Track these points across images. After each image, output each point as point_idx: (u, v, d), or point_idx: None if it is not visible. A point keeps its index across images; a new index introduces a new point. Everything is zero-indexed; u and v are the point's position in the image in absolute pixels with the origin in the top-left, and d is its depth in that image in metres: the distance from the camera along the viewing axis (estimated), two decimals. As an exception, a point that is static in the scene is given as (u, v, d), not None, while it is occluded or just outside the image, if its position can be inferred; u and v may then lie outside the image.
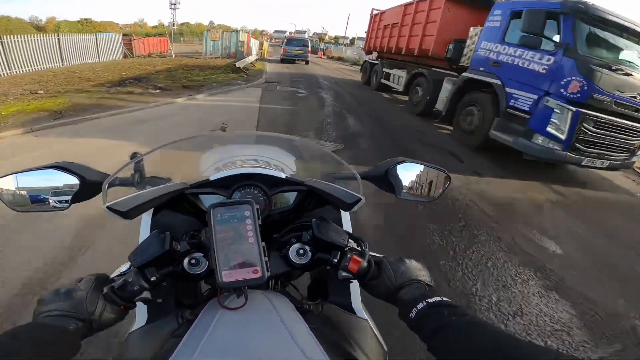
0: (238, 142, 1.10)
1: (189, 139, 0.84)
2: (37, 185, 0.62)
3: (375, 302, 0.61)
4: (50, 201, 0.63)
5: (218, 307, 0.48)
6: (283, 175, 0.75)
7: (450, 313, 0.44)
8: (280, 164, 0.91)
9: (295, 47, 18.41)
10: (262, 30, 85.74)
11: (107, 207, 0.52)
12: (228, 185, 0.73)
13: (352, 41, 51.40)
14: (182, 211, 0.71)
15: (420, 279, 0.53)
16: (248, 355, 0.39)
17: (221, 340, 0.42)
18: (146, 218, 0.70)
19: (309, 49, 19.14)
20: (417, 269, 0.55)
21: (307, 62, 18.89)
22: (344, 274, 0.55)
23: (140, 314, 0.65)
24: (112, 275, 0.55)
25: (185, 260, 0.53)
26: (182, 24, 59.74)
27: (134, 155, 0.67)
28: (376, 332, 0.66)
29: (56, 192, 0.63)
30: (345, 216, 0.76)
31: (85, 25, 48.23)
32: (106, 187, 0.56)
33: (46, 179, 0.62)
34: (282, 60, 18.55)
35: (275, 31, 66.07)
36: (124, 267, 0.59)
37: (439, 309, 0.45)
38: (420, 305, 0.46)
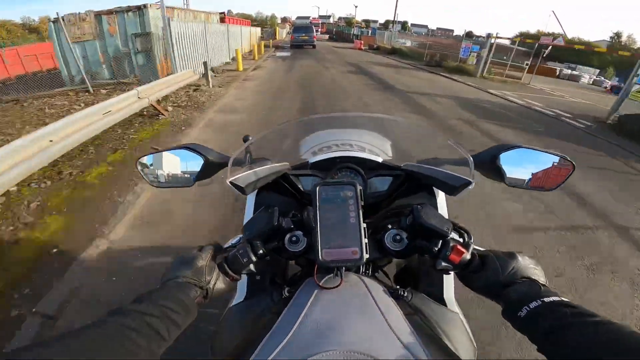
0: (335, 126, 1.11)
1: (290, 122, 0.94)
2: (169, 163, 0.72)
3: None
4: (179, 178, 0.73)
5: (314, 287, 0.49)
6: (380, 159, 0.78)
7: (574, 313, 0.38)
8: (375, 148, 0.92)
9: (301, 34, 20.17)
10: (284, 17, 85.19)
11: (230, 182, 0.59)
12: (326, 168, 0.77)
13: (405, 26, 44.17)
14: (280, 192, 0.75)
15: (533, 278, 0.47)
16: (344, 337, 0.38)
17: (317, 319, 0.42)
18: (250, 197, 0.77)
19: (315, 34, 20.86)
20: (530, 267, 0.49)
21: (314, 46, 20.62)
22: (443, 264, 0.51)
23: (240, 289, 0.71)
24: (225, 246, 0.59)
25: (287, 237, 0.56)
26: None
27: (246, 138, 0.75)
28: (467, 327, 0.65)
29: (184, 170, 0.72)
30: (442, 204, 0.76)
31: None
32: (230, 164, 0.63)
33: (176, 158, 0.71)
34: (292, 46, 20.56)
35: (298, 17, 65.68)
36: (234, 240, 0.67)
37: (559, 308, 0.39)
38: (533, 304, 0.41)
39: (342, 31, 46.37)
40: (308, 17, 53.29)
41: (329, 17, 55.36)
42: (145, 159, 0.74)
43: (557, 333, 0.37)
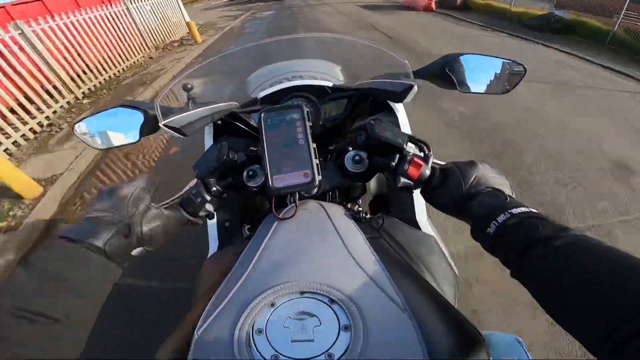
0: (280, 57, 1.07)
1: (224, 54, 0.85)
2: (109, 124, 0.70)
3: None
4: (122, 137, 0.70)
5: (274, 220, 0.47)
6: (330, 84, 0.78)
7: (546, 226, 0.33)
8: (326, 75, 0.92)
9: None
10: None
11: (164, 125, 0.56)
12: (276, 102, 0.77)
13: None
14: (238, 134, 0.75)
15: (497, 187, 0.43)
16: (301, 267, 0.37)
17: (274, 251, 0.41)
18: (209, 141, 0.77)
19: None
20: (493, 175, 0.45)
21: None
22: (403, 179, 0.49)
23: (213, 241, 0.73)
24: (181, 192, 0.57)
25: (245, 173, 0.54)
26: None
27: (185, 86, 0.71)
28: (445, 251, 0.64)
29: (126, 128, 0.68)
30: (403, 119, 0.74)
31: None
32: (157, 105, 0.60)
33: (115, 118, 0.68)
34: None
35: None
36: (187, 187, 0.60)
37: (530, 221, 0.35)
38: (501, 217, 0.37)
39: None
40: None
41: None
42: (83, 125, 0.71)
43: (529, 252, 0.33)
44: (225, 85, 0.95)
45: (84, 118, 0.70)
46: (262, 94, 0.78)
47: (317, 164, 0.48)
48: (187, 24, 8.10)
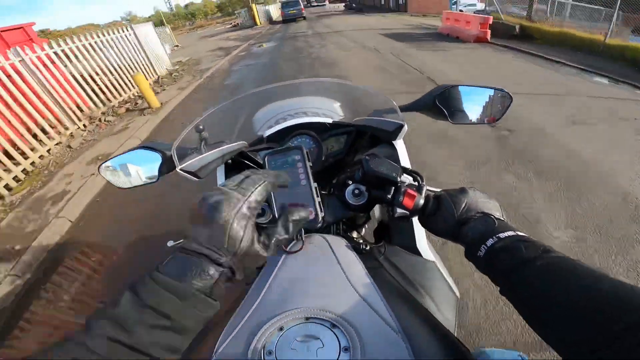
0: (284, 96, 1.10)
1: (235, 100, 0.89)
2: (131, 165, 0.75)
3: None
4: (143, 177, 0.75)
5: (282, 253, 0.49)
6: (330, 120, 0.81)
7: (529, 248, 0.36)
8: (328, 111, 0.95)
9: (290, 9, 21.53)
10: None
11: (180, 169, 0.58)
12: (282, 138, 0.80)
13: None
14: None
15: (486, 212, 0.45)
16: (306, 296, 0.40)
17: (283, 282, 0.43)
18: (220, 179, 0.77)
19: (302, 6, 21.87)
20: (483, 200, 0.47)
21: (304, 18, 21.77)
22: (399, 210, 0.52)
23: None
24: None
25: None
26: (186, 5, 50.87)
27: (197, 128, 0.72)
28: (445, 274, 0.66)
29: (146, 168, 0.74)
30: (402, 153, 0.73)
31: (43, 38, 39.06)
32: (174, 151, 0.62)
33: (136, 159, 0.74)
34: (284, 21, 21.60)
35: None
36: None
37: (515, 244, 0.38)
38: (490, 241, 0.39)
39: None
40: None
41: None
42: (108, 164, 0.76)
43: (515, 272, 0.36)
44: (233, 124, 0.89)
45: (110, 158, 0.76)
46: (267, 133, 0.82)
47: (319, 202, 0.50)
48: (135, 80, 5.05)
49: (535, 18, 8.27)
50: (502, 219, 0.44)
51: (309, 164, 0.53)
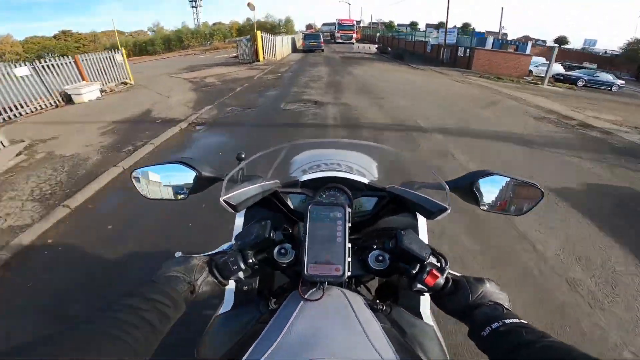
0: (323, 148, 1.14)
1: (284, 147, 0.95)
2: (163, 177, 0.75)
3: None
4: (171, 192, 0.75)
5: (299, 299, 0.51)
6: (366, 181, 0.81)
7: (529, 333, 0.41)
8: (362, 169, 0.95)
9: (311, 40, 23.41)
10: (309, 25, 64.06)
11: (224, 200, 0.61)
12: (314, 186, 0.80)
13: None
14: (270, 207, 0.77)
15: (498, 302, 0.51)
16: (325, 347, 0.40)
17: (301, 329, 0.44)
18: (242, 212, 0.79)
19: (322, 40, 23.59)
20: (496, 292, 0.53)
21: (322, 50, 23.40)
22: (419, 285, 0.54)
23: (227, 299, 0.73)
24: (214, 252, 0.63)
25: (276, 249, 0.60)
26: (214, 24, 48.03)
27: (239, 157, 0.81)
28: (440, 338, 0.67)
29: (177, 184, 0.74)
30: (423, 227, 0.78)
31: (64, 40, 35.42)
32: (225, 182, 0.65)
33: (170, 172, 0.74)
34: (304, 51, 23.31)
35: (324, 24, 55.88)
36: (224, 246, 0.67)
37: (517, 329, 0.43)
38: (495, 324, 0.44)
39: (394, 38, 30.25)
40: (333, 24, 42.03)
41: (359, 21, 41.56)
42: (140, 172, 0.75)
43: (514, 353, 0.39)
44: (269, 162, 0.87)
45: (143, 167, 0.75)
46: (303, 178, 0.82)
47: (349, 262, 0.53)
48: None
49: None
50: (510, 309, 0.50)
51: (348, 224, 0.57)
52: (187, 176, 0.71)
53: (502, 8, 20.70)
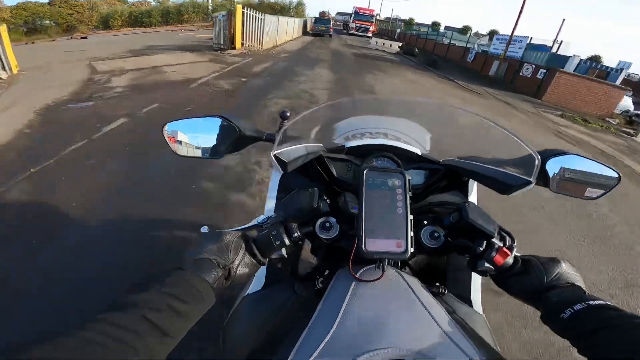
0: (371, 111, 1.06)
1: (328, 105, 0.92)
2: (199, 133, 0.67)
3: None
4: (209, 148, 0.68)
5: (350, 279, 0.46)
6: (419, 152, 0.75)
7: (620, 316, 0.38)
8: (413, 140, 0.85)
9: (320, 25, 24.24)
10: (322, 12, 63.14)
11: (274, 155, 0.54)
12: (360, 155, 0.75)
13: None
14: (308, 175, 0.72)
15: (576, 284, 0.48)
16: (392, 335, 0.36)
17: (360, 315, 0.40)
18: (275, 178, 0.73)
19: (332, 26, 24.54)
20: (572, 273, 0.49)
21: (330, 36, 24.14)
22: (486, 264, 0.50)
23: (258, 277, 0.68)
24: (246, 225, 0.56)
25: (318, 223, 0.54)
26: None
27: (283, 115, 0.76)
28: (490, 329, 0.64)
29: (215, 140, 0.68)
30: (474, 202, 0.73)
31: (58, 7, 30.65)
32: (280, 134, 0.60)
33: (207, 128, 0.67)
34: (313, 34, 24.20)
35: (338, 13, 51.12)
36: (260, 218, 0.59)
37: (605, 311, 0.39)
38: (578, 306, 0.41)
39: (418, 37, 25.71)
40: (350, 14, 39.41)
41: (377, 14, 37.27)
42: (174, 124, 0.69)
43: (601, 334, 0.37)
44: (310, 125, 0.75)
45: (179, 119, 0.68)
46: (350, 144, 0.77)
47: (411, 237, 0.48)
48: None
49: None
50: (587, 292, 0.46)
51: (409, 193, 0.51)
52: (227, 134, 0.66)
53: (564, 19, 15.91)
